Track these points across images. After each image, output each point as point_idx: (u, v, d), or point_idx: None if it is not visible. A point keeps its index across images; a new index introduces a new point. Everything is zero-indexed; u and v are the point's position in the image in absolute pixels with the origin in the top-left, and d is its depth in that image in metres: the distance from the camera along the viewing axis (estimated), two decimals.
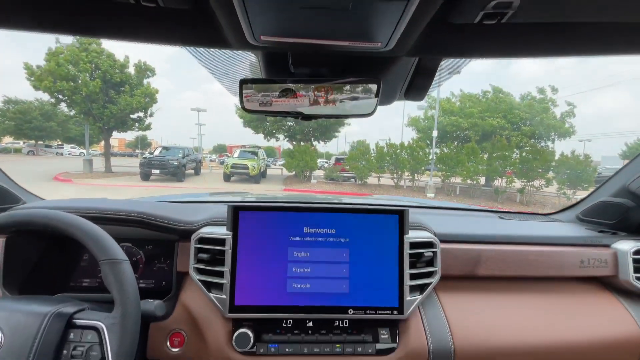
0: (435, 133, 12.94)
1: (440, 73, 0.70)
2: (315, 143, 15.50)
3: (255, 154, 12.98)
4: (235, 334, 0.73)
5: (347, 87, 0.61)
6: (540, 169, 11.82)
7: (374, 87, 0.60)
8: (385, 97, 0.72)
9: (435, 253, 0.80)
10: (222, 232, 0.76)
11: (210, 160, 24.83)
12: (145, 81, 13.30)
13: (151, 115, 13.64)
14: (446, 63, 0.65)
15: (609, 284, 0.93)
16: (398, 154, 12.66)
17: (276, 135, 14.97)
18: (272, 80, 0.63)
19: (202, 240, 0.77)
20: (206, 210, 0.88)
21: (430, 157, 12.91)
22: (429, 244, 0.80)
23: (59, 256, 0.88)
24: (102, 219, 0.76)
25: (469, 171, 12.29)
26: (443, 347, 0.76)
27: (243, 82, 0.62)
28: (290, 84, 0.61)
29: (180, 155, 11.55)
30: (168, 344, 0.78)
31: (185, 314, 0.79)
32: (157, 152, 12.25)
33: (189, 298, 0.80)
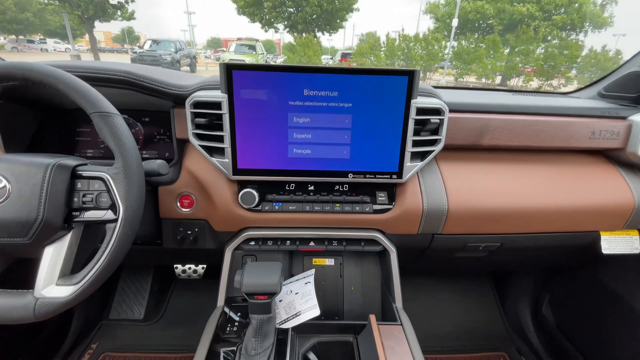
0: (455, 22, 11.46)
1: None
2: (319, 35, 13.95)
3: (253, 47, 11.89)
4: (241, 193, 0.77)
5: None
6: (563, 66, 10.87)
7: None
8: None
9: (441, 121, 0.77)
10: (217, 95, 0.72)
11: (206, 57, 23.03)
12: None
13: (132, 0, 12.02)
14: None
15: (612, 157, 0.93)
16: (411, 47, 11.51)
17: (275, 24, 13.36)
18: None
19: (197, 104, 0.73)
20: (198, 77, 0.82)
21: (447, 51, 11.77)
22: (437, 111, 0.76)
23: (58, 127, 0.86)
24: (85, 77, 0.71)
25: (486, 68, 11.38)
26: (437, 207, 0.80)
27: None
28: None
29: (172, 50, 10.65)
30: (178, 204, 0.83)
31: (191, 179, 0.82)
32: (147, 46, 11.26)
33: (193, 164, 0.82)
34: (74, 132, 0.87)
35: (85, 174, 0.59)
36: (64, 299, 0.55)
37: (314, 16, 12.71)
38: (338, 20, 13.54)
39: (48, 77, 0.57)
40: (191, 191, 0.82)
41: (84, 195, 0.58)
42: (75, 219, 0.59)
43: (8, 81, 0.59)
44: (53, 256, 0.58)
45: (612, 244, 0.90)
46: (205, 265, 1.46)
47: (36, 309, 0.54)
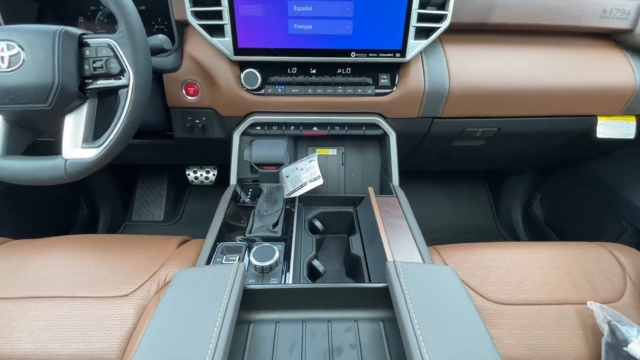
0: None
1: None
2: None
3: None
4: (244, 73, 0.78)
5: None
6: None
7: None
8: None
9: None
10: None
11: None
12: None
13: None
14: None
15: (621, 42, 0.90)
16: None
17: None
18: None
19: None
20: None
21: None
22: None
23: (56, 18, 0.86)
24: None
25: None
26: (438, 88, 0.81)
27: None
28: None
29: None
30: (184, 92, 0.85)
31: (194, 65, 0.82)
32: None
33: (194, 49, 0.81)
34: (71, 24, 0.86)
35: (91, 41, 0.60)
36: (91, 159, 0.61)
37: None
38: None
39: None
40: (195, 78, 0.83)
41: (93, 62, 0.60)
42: (89, 87, 0.62)
43: None
44: (74, 124, 0.63)
45: (608, 128, 0.92)
46: (215, 172, 1.54)
47: (67, 168, 0.60)
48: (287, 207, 0.76)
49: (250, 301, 0.49)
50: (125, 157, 0.73)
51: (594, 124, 0.92)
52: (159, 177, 1.57)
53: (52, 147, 0.68)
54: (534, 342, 0.64)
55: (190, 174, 1.54)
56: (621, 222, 1.06)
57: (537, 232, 1.39)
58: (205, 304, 0.42)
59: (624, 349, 0.59)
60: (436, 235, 1.44)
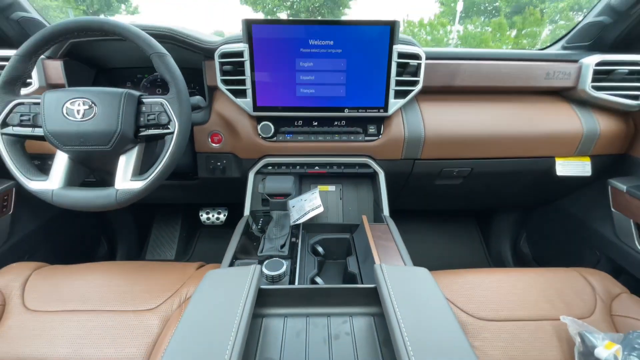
0: (460, 5, 11.38)
1: None
2: None
3: None
4: (260, 125, 0.98)
5: None
6: None
7: None
8: None
9: (419, 64, 0.95)
10: (240, 46, 0.92)
11: None
12: None
13: None
14: None
15: (567, 96, 1.10)
16: (416, 33, 11.49)
17: (277, 13, 13.45)
18: None
19: (224, 55, 0.93)
20: (223, 37, 1.02)
21: (452, 35, 11.70)
22: (415, 56, 0.95)
23: (106, 81, 1.09)
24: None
25: None
26: (416, 135, 1.00)
27: None
28: None
29: None
30: (209, 140, 1.04)
31: (219, 119, 1.03)
32: None
33: (221, 107, 1.03)
34: (118, 85, 1.09)
35: (146, 100, 0.80)
36: (137, 189, 0.77)
37: (317, 4, 12.75)
38: (341, 8, 13.56)
39: (119, 28, 0.77)
40: (220, 129, 1.03)
41: (148, 115, 0.79)
42: (141, 133, 0.80)
43: (87, 33, 0.80)
44: (126, 162, 0.80)
45: (566, 167, 1.08)
46: (226, 213, 1.69)
47: (117, 197, 0.76)
48: (292, 231, 0.89)
49: (264, 299, 0.60)
50: (152, 196, 0.86)
51: (554, 164, 1.08)
52: (173, 219, 1.71)
53: (91, 184, 0.84)
54: (515, 353, 0.72)
55: (203, 215, 1.69)
56: (595, 252, 1.17)
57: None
58: (228, 300, 0.54)
59: (594, 353, 0.68)
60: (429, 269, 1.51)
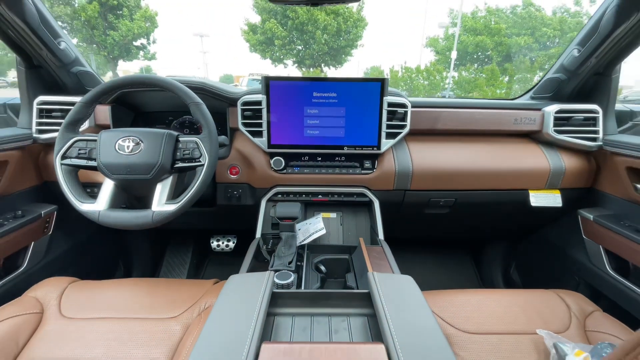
0: (454, 54, 12.24)
1: None
2: (325, 69, 14.98)
3: None
4: (273, 159, 1.16)
5: None
6: None
7: None
8: None
9: (406, 112, 1.15)
10: (259, 96, 1.13)
11: None
12: (142, 3, 12.82)
13: (154, 42, 13.40)
14: None
15: (536, 138, 1.29)
16: (413, 78, 12.26)
17: (284, 61, 14.48)
18: None
19: (245, 103, 1.14)
20: (243, 89, 1.24)
21: (448, 81, 12.44)
22: (402, 105, 1.15)
23: (143, 122, 1.31)
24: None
25: (487, 95, 11.92)
26: (405, 169, 1.17)
27: None
28: None
29: None
30: (228, 172, 1.21)
31: (239, 155, 1.21)
32: None
33: (240, 145, 1.22)
34: (152, 126, 1.30)
35: (183, 139, 0.98)
36: (171, 211, 0.92)
37: (321, 53, 13.79)
38: (343, 56, 14.66)
39: (167, 83, 0.98)
40: (238, 163, 1.21)
41: (183, 151, 0.97)
42: (176, 165, 0.97)
43: (139, 86, 1.01)
44: (162, 188, 0.96)
45: (539, 199, 1.23)
46: (235, 241, 1.82)
47: (153, 217, 0.91)
48: (298, 251, 1.03)
49: (276, 301, 0.72)
50: (173, 221, 0.94)
51: (527, 195, 1.24)
52: (185, 246, 1.84)
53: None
54: None
55: (214, 242, 1.81)
56: (574, 278, 1.27)
57: None
58: (248, 300, 0.66)
59: None
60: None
